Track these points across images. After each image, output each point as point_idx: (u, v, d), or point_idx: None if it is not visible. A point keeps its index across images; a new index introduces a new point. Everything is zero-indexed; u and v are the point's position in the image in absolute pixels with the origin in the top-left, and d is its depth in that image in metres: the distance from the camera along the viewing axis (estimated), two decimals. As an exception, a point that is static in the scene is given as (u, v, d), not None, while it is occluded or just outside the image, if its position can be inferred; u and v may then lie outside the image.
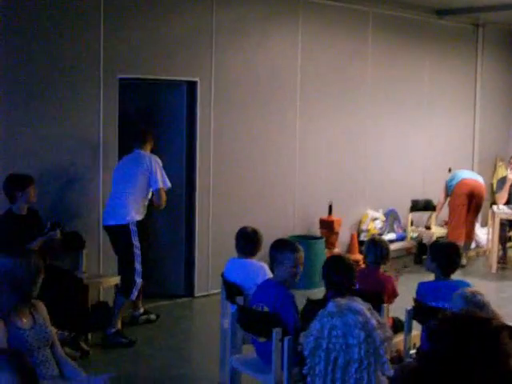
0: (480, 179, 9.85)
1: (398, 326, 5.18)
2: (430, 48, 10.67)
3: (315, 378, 2.34)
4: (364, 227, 9.67)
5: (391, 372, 2.34)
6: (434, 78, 10.79)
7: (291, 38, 8.76)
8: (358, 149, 9.78)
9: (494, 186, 10.71)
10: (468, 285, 4.74)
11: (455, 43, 11.16)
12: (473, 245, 10.45)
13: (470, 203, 9.70)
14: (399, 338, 5.03)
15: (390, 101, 10.17)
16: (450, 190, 9.82)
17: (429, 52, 10.66)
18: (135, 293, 6.54)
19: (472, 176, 9.91)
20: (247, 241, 5.51)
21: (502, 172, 11.07)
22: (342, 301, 2.44)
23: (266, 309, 4.55)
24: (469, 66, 11.45)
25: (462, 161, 11.19)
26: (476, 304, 3.94)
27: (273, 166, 8.67)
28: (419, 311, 4.74)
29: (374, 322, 2.35)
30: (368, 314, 2.37)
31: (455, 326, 2.13)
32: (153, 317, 7.15)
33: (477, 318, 2.14)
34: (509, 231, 10.11)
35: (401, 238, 10.01)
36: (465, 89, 11.44)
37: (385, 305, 4.71)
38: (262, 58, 8.44)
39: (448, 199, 9.88)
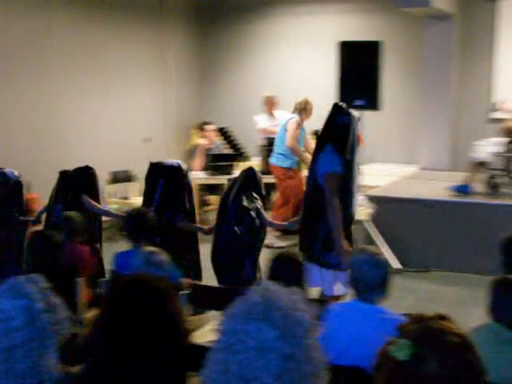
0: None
1: (99, 300, 5.15)
2: (118, 20, 10.70)
3: None
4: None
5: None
6: (125, 50, 10.84)
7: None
8: (53, 124, 9.55)
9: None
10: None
11: (142, 14, 11.27)
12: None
13: None
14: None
15: (81, 74, 10.04)
16: None
17: (117, 24, 10.68)
18: None
19: None
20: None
21: (194, 139, 11.44)
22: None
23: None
24: (159, 37, 11.65)
25: (157, 130, 11.40)
26: (154, 263, 4.02)
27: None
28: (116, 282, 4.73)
29: (40, 305, 2.28)
30: (37, 296, 2.29)
31: (124, 290, 2.13)
32: None
33: (146, 280, 2.15)
34: (205, 195, 10.51)
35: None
36: (156, 59, 11.64)
37: (79, 278, 4.63)
38: None
39: None
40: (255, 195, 5.76)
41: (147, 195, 6.18)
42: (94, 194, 6.50)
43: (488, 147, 8.33)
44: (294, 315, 1.69)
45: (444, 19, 10.10)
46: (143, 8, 11.31)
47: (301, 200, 8.97)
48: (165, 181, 6.11)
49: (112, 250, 7.95)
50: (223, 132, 12.05)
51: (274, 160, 9.15)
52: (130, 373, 2.06)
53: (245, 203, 5.63)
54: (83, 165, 6.68)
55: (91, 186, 6.51)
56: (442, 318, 1.79)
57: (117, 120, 10.68)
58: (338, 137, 5.24)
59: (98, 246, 6.36)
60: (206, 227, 6.24)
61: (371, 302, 3.46)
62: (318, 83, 11.23)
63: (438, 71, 10.13)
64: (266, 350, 1.64)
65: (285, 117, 9.11)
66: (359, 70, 7.93)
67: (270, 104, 10.26)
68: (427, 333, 1.73)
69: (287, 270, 3.77)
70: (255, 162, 10.70)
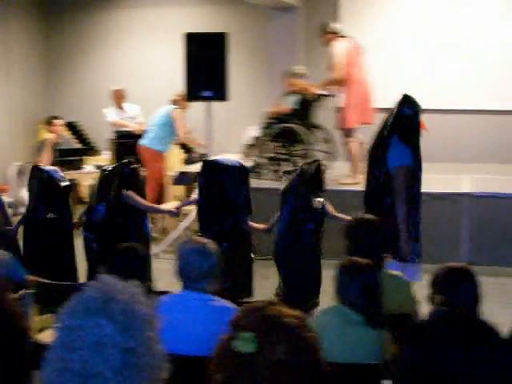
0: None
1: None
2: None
3: None
4: None
5: None
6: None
7: None
8: None
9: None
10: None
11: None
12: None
13: None
14: None
15: None
16: None
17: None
18: None
19: None
20: None
21: (42, 134, 11.14)
22: None
23: None
24: (1, 28, 11.24)
25: (1, 125, 11.02)
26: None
27: None
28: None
29: None
30: None
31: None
32: None
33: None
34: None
35: None
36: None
37: None
38: None
39: None
40: (317, 190, 5.70)
41: (213, 194, 5.84)
42: (138, 189, 5.90)
43: (252, 131, 8.76)
44: (134, 308, 1.67)
45: (288, 11, 10.32)
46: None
47: (160, 184, 9.09)
48: (232, 180, 5.84)
49: None
50: (72, 126, 11.81)
51: (145, 141, 9.18)
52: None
53: (314, 199, 5.56)
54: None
55: (134, 181, 5.90)
56: (273, 304, 1.80)
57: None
58: (405, 128, 5.28)
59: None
60: (265, 226, 6.02)
61: (201, 290, 3.49)
62: (167, 75, 11.20)
63: (283, 62, 10.31)
64: (106, 345, 1.62)
65: (166, 107, 9.12)
66: (206, 61, 7.98)
67: (118, 97, 10.17)
68: (267, 321, 1.74)
69: (128, 263, 3.73)
70: (105, 157, 10.57)
